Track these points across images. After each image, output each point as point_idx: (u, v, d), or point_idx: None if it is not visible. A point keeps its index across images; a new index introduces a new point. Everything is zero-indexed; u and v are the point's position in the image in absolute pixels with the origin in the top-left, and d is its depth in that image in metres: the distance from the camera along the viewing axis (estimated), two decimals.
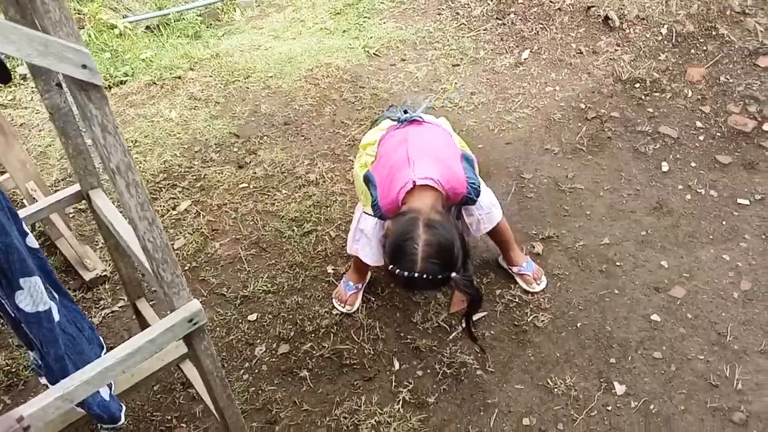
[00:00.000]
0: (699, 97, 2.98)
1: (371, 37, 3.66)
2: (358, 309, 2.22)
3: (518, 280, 2.27)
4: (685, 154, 2.76)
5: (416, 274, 1.67)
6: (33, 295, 1.10)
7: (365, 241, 2.04)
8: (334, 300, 2.24)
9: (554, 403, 1.92)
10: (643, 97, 3.04)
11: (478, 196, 1.92)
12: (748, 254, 2.32)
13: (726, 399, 1.91)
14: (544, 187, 2.67)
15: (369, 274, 2.28)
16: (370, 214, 1.96)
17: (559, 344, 2.08)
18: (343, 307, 2.21)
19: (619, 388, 1.95)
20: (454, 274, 1.71)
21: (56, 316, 1.21)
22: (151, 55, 3.74)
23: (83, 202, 1.62)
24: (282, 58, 3.58)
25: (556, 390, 1.95)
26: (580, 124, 2.97)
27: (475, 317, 2.16)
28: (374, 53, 3.53)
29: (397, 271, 1.70)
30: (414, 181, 1.77)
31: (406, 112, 2.09)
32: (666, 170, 2.70)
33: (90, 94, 0.97)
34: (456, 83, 3.25)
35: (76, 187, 1.57)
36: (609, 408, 1.91)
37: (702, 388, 1.94)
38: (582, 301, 2.21)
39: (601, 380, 1.97)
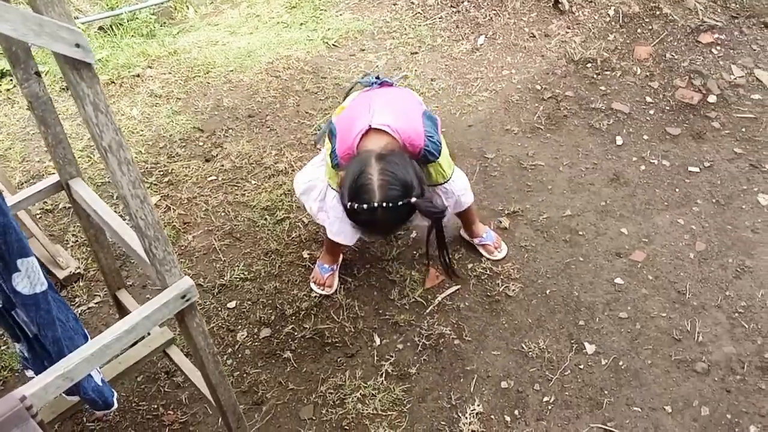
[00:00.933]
0: (647, 73, 3.12)
1: (329, 29, 3.71)
2: (336, 290, 2.27)
3: (481, 250, 2.37)
4: (638, 128, 2.90)
5: (376, 204, 1.68)
6: (30, 276, 1.12)
7: (325, 216, 2.13)
8: (312, 284, 2.28)
9: (529, 366, 2.01)
10: (594, 76, 3.17)
11: (438, 153, 1.93)
12: (700, 217, 2.47)
13: (688, 351, 2.04)
14: (507, 166, 2.77)
15: (341, 255, 2.33)
16: (335, 189, 2.00)
17: (531, 311, 2.18)
18: (322, 290, 2.25)
19: (589, 348, 2.06)
20: (414, 199, 1.72)
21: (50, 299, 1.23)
22: (107, 55, 3.70)
23: (49, 202, 1.62)
24: (241, 53, 3.59)
25: (530, 353, 2.04)
26: (537, 105, 3.07)
27: (448, 291, 2.25)
28: (333, 44, 3.58)
29: (357, 206, 1.70)
30: (370, 125, 1.82)
31: (378, 77, 2.15)
32: (620, 144, 2.83)
33: (82, 73, 1.00)
34: (416, 70, 3.32)
35: (55, 178, 1.58)
36: (581, 367, 2.01)
37: (666, 342, 2.07)
38: (549, 270, 2.31)
39: (572, 342, 2.07)
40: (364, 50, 3.51)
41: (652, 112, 2.97)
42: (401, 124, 1.88)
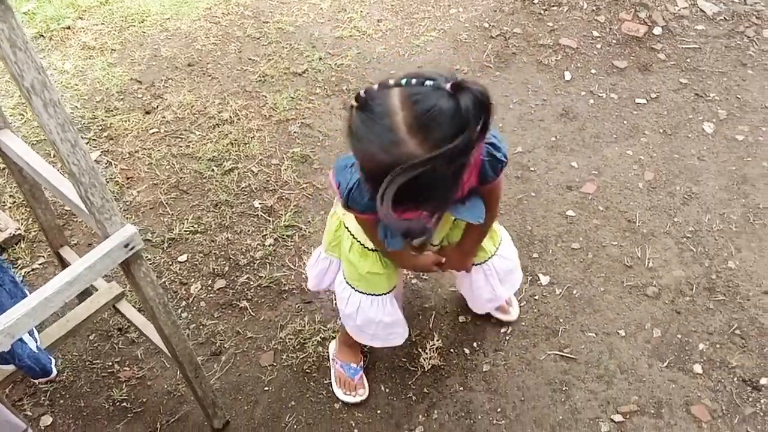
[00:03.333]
0: (593, 8, 3.11)
1: None
2: (368, 394, 1.85)
3: (495, 313, 1.99)
4: (585, 62, 2.90)
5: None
6: None
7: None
8: (336, 390, 1.83)
9: None
10: (542, 12, 3.14)
11: (505, 160, 1.35)
12: (648, 148, 2.50)
13: (640, 277, 2.09)
14: None
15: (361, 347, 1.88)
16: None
17: None
18: (354, 396, 1.82)
19: (544, 279, 2.09)
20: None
21: None
22: (34, 7, 3.47)
23: None
24: (177, 0, 3.42)
25: None
26: (485, 43, 3.04)
27: None
28: None
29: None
30: None
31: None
32: (569, 79, 2.83)
33: None
34: (361, 12, 3.23)
35: None
36: (536, 297, 2.04)
37: (618, 270, 2.11)
38: (503, 207, 2.31)
39: (527, 274, 2.10)
40: None
41: (599, 46, 2.97)
42: None
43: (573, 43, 2.99)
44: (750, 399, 1.82)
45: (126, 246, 1.26)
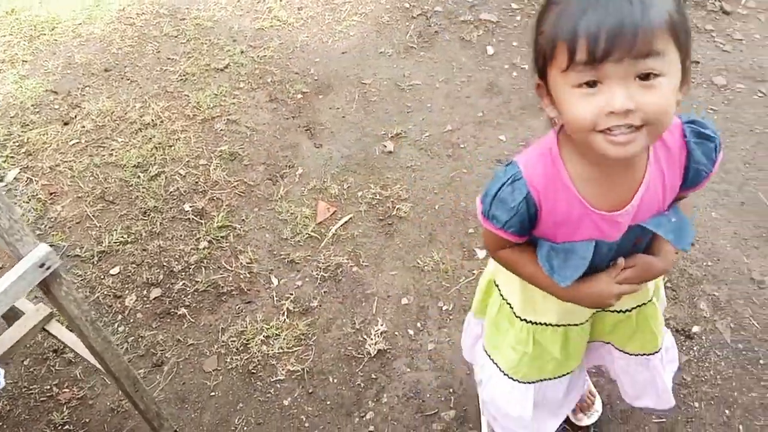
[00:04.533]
0: None
1: None
2: None
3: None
4: (506, 36, 2.93)
5: None
6: None
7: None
8: None
9: (427, 279, 2.05)
10: None
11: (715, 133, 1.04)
12: None
13: None
14: (385, 89, 2.73)
15: None
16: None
17: (423, 228, 2.20)
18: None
19: (480, 253, 2.11)
20: None
21: None
22: None
23: None
24: (88, 4, 3.29)
25: (426, 268, 2.08)
26: (407, 23, 3.03)
27: (341, 221, 2.23)
28: None
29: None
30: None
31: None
32: (492, 53, 2.86)
33: None
34: (280, 1, 3.18)
35: None
36: (475, 272, 2.06)
37: None
38: (436, 186, 2.33)
39: (464, 250, 2.12)
40: None
41: (519, 18, 3.00)
42: None
43: (493, 17, 3.01)
44: (684, 347, 1.89)
45: (41, 266, 1.21)
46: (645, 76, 0.84)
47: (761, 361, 1.86)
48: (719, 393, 1.80)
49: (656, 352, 1.32)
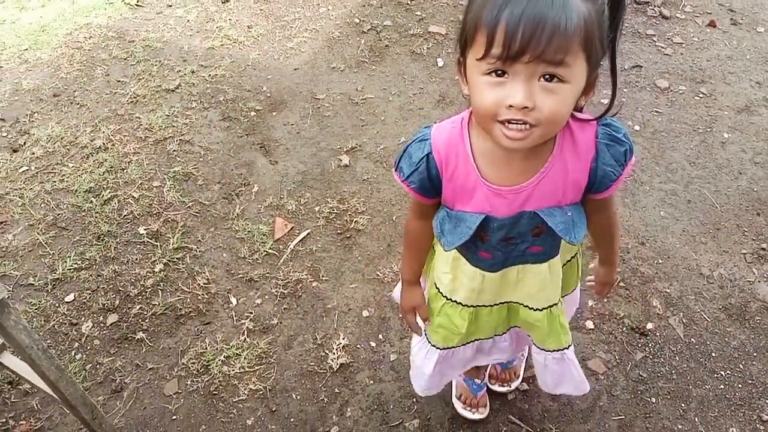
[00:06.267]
0: None
1: None
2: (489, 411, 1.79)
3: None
4: (456, 47, 2.97)
5: None
6: None
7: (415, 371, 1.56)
8: (456, 403, 1.77)
9: (387, 290, 2.06)
10: (409, 2, 3.20)
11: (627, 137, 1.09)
12: None
13: None
14: (339, 104, 2.75)
15: (488, 367, 1.82)
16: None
17: (381, 239, 2.21)
18: (474, 414, 1.75)
19: None
20: None
21: None
22: None
23: None
24: (34, 29, 3.24)
25: (385, 279, 2.09)
26: (358, 38, 3.06)
27: (299, 237, 2.23)
28: (136, 4, 3.32)
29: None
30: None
31: None
32: (442, 65, 2.90)
33: None
34: (230, 20, 3.18)
35: None
36: None
37: None
38: (393, 197, 2.35)
39: None
40: (171, 6, 3.30)
41: None
42: None
43: (442, 29, 3.06)
44: (639, 345, 1.94)
45: None
46: (549, 78, 0.88)
47: (713, 354, 1.92)
48: (675, 387, 1.84)
49: (570, 346, 1.41)
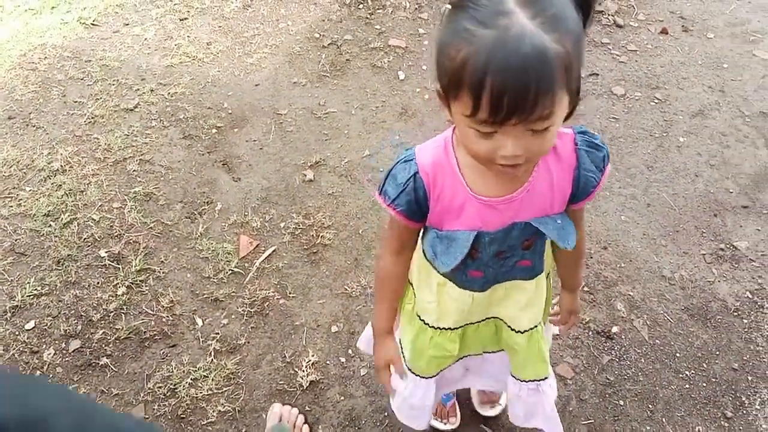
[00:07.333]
0: (416, 6, 3.24)
1: (84, 8, 3.37)
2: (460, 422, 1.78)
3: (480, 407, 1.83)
4: (416, 60, 3.00)
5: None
6: None
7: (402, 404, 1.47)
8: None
9: (355, 305, 2.05)
10: (368, 16, 3.22)
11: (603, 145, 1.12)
12: None
13: None
14: (301, 119, 2.74)
15: None
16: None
17: (348, 253, 2.21)
18: (445, 424, 1.74)
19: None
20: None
21: None
22: None
23: None
24: None
25: (353, 293, 2.08)
26: (319, 53, 3.06)
27: (265, 254, 2.21)
28: (92, 23, 3.27)
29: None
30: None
31: None
32: (403, 78, 2.92)
33: None
34: (189, 37, 3.15)
35: None
36: None
37: None
38: (358, 210, 2.35)
39: None
40: (128, 24, 3.25)
41: (426, 42, 3.09)
42: None
43: (402, 42, 3.09)
44: (606, 348, 1.97)
45: None
46: (537, 131, 0.89)
47: (677, 354, 1.96)
48: (642, 389, 1.87)
49: (546, 378, 1.39)
